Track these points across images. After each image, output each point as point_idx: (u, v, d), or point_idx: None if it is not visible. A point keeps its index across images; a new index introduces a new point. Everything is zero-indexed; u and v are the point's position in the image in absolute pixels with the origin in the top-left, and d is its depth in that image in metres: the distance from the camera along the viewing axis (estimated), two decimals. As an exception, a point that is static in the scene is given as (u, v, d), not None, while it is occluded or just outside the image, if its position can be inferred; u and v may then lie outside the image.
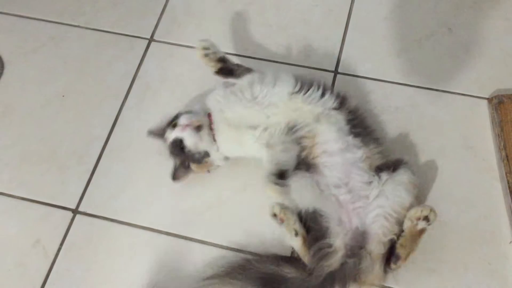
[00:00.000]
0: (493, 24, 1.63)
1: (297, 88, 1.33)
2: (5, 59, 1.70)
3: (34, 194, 1.46)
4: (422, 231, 1.21)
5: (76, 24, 1.75)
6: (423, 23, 1.65)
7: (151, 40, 1.70)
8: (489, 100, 1.49)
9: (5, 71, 1.68)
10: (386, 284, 1.27)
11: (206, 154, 1.37)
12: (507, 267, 1.28)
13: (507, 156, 1.37)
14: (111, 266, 1.35)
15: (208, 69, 1.59)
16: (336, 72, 1.58)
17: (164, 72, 1.64)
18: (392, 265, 1.21)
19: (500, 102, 1.45)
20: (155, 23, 1.73)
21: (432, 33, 1.63)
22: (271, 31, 1.68)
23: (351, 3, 1.70)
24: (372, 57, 1.60)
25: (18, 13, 1.78)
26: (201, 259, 1.34)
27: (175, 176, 1.39)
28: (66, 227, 1.41)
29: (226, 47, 1.66)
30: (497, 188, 1.38)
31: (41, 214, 1.43)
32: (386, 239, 1.21)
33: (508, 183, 1.35)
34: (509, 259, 1.29)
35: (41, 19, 1.77)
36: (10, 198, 1.47)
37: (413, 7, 1.68)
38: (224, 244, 1.36)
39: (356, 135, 1.31)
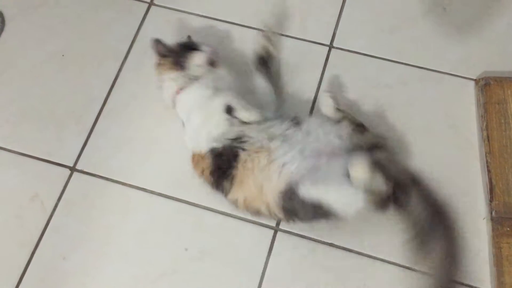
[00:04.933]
0: (486, 6, 1.66)
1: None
2: (6, 15, 1.72)
3: (32, 150, 1.52)
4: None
5: (76, -17, 1.77)
6: (419, 1, 1.68)
7: (151, 4, 1.73)
8: (476, 81, 1.54)
9: (6, 28, 1.71)
10: (360, 251, 1.36)
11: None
12: (480, 241, 1.36)
13: (488, 137, 1.44)
14: (105, 223, 1.42)
15: (205, 37, 1.64)
16: (331, 46, 1.62)
17: (163, 37, 1.64)
18: None
19: (487, 84, 1.50)
20: (155, -14, 1.75)
21: (427, 12, 1.66)
22: (269, 1, 1.70)
23: (350, -22, 1.72)
24: (367, 33, 1.64)
25: (19, -30, 1.80)
26: (191, 220, 1.41)
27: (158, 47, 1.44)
28: (64, 183, 1.47)
29: (223, 15, 1.68)
30: (476, 166, 1.45)
31: (39, 169, 1.49)
32: None
33: (486, 162, 1.41)
34: (482, 234, 1.37)
35: (42, -24, 1.78)
36: (9, 153, 1.52)
37: (410, -16, 1.71)
38: (214, 207, 1.43)
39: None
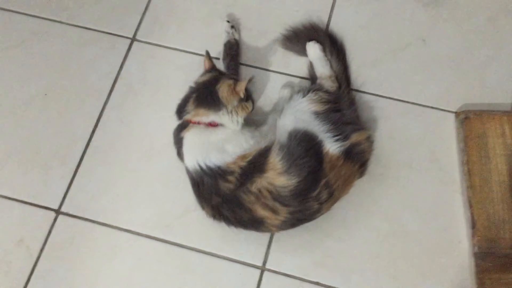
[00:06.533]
0: (465, 37, 1.68)
1: None
2: (-14, 53, 1.71)
3: (17, 194, 1.51)
4: None
5: (58, 19, 1.76)
6: (399, 33, 1.70)
7: (133, 39, 1.72)
8: (456, 114, 1.57)
9: (-13, 66, 1.70)
10: (350, 290, 1.38)
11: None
12: (464, 277, 1.38)
13: (469, 171, 1.46)
14: (92, 267, 1.42)
15: (189, 73, 1.64)
16: (313, 80, 1.63)
17: (146, 73, 1.67)
18: None
19: (466, 118, 1.52)
20: (137, 22, 1.75)
21: (407, 44, 1.68)
22: (251, 35, 1.71)
23: (331, 11, 1.73)
24: (350, 66, 1.64)
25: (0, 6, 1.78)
26: (177, 262, 1.42)
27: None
28: (49, 227, 1.47)
29: (204, 50, 1.67)
30: (458, 200, 1.47)
31: (25, 213, 1.49)
32: None
33: (468, 197, 1.44)
34: (465, 270, 1.39)
35: (23, 12, 1.77)
36: (-7, 196, 1.52)
37: (391, 16, 1.72)
38: (200, 248, 1.44)
39: None
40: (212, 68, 1.51)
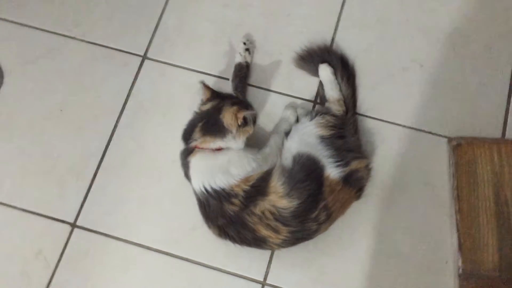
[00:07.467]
0: (461, 63, 1.76)
1: None
2: (4, 68, 1.79)
3: (35, 207, 1.62)
4: None
5: (72, 35, 1.83)
6: (398, 58, 1.77)
7: (144, 57, 1.80)
8: (449, 140, 1.66)
9: (5, 80, 1.77)
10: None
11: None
12: (448, 297, 1.50)
13: (458, 196, 1.56)
14: (106, 279, 1.54)
15: (197, 92, 1.71)
16: (315, 102, 1.72)
17: (157, 92, 1.75)
18: None
19: (458, 144, 1.61)
20: (148, 40, 1.82)
21: (405, 68, 1.76)
22: (257, 55, 1.78)
23: (334, 33, 1.81)
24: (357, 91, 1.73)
25: (16, 20, 1.85)
26: (185, 276, 1.54)
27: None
28: (65, 239, 1.58)
29: (215, 70, 1.77)
30: (447, 223, 1.58)
31: (42, 226, 1.59)
32: None
33: (456, 220, 1.54)
34: (450, 291, 1.51)
35: (38, 28, 1.84)
36: (12, 209, 1.62)
37: (391, 40, 1.79)
38: (206, 263, 1.55)
39: None
40: (212, 96, 1.57)
